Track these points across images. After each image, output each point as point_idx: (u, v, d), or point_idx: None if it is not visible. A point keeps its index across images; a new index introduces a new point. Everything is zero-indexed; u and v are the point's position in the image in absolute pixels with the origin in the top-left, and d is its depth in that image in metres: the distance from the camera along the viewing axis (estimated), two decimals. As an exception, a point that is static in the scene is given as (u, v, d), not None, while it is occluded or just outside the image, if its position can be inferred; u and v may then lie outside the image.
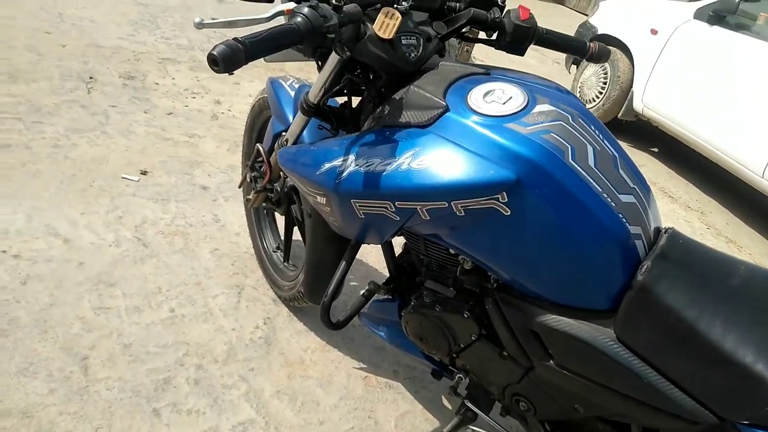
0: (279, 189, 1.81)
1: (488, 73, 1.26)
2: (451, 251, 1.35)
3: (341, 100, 1.46)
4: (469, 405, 1.56)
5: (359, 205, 1.24)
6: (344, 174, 1.24)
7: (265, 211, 2.12)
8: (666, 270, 1.10)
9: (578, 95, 5.13)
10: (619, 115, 4.76)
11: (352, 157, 1.24)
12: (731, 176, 4.06)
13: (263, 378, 1.75)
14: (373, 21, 1.16)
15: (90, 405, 1.51)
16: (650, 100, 4.47)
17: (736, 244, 3.70)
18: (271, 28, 0.97)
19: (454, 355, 1.49)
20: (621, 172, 1.16)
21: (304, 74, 3.87)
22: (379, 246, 1.51)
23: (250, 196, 1.86)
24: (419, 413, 1.80)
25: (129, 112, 2.92)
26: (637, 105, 4.58)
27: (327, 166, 1.28)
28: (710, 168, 4.47)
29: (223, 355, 1.78)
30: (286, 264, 2.03)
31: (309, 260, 1.71)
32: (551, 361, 1.25)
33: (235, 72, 1.45)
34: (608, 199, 1.09)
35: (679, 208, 3.98)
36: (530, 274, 1.18)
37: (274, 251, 2.09)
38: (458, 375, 1.55)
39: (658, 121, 4.46)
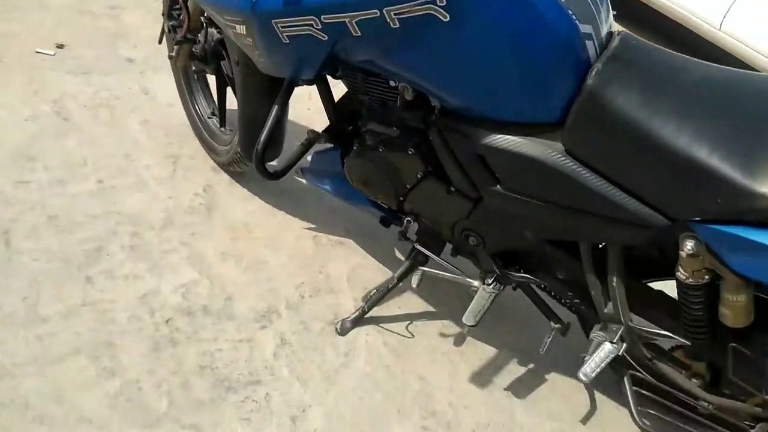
0: (203, 41, 1.64)
1: None
2: (392, 83, 1.23)
3: None
4: (420, 248, 1.51)
5: (282, 27, 1.10)
6: None
7: (195, 75, 1.95)
8: (617, 72, 1.01)
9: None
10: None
11: None
12: (687, 34, 3.96)
13: (205, 242, 1.66)
14: None
15: (14, 277, 1.41)
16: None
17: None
18: None
19: (401, 199, 1.42)
20: None
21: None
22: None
23: (173, 53, 1.69)
24: (372, 266, 1.75)
25: (40, -15, 2.63)
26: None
27: None
28: (665, 25, 4.34)
29: (160, 222, 1.68)
30: (222, 129, 1.89)
31: (242, 115, 1.58)
32: (498, 186, 1.19)
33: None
34: None
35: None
36: (473, 90, 1.08)
37: (209, 117, 1.94)
38: (406, 219, 1.48)
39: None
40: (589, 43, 1.02)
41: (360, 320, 1.56)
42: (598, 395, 1.58)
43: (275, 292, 1.59)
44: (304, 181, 1.77)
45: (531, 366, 1.61)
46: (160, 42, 1.78)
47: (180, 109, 2.06)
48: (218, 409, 1.29)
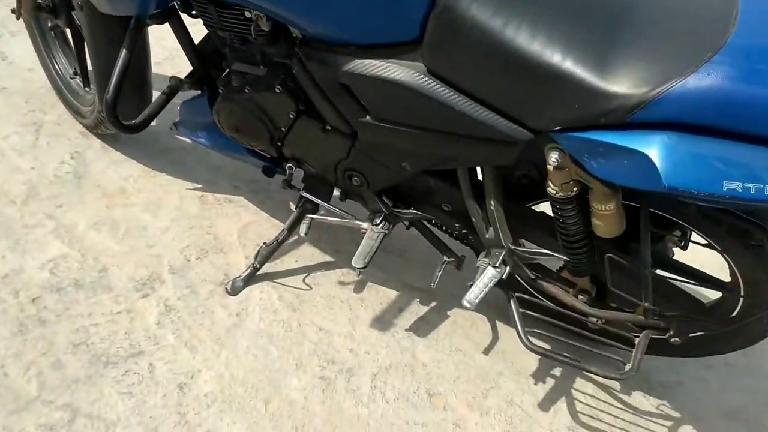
0: None
1: None
2: (246, 14, 1.13)
3: None
4: (307, 195, 1.45)
5: None
6: None
7: (52, 32, 1.77)
8: None
9: None
10: None
11: None
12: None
13: (75, 212, 1.53)
14: None
15: None
16: None
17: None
18: None
19: (279, 144, 1.34)
20: None
21: None
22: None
23: (16, 6, 1.51)
24: (264, 221, 1.68)
25: None
26: None
27: None
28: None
29: (22, 195, 1.53)
30: (87, 89, 1.74)
31: (95, 66, 1.45)
32: (368, 117, 1.13)
33: None
34: None
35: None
36: (324, 11, 1.02)
37: (71, 77, 1.78)
38: (288, 166, 1.41)
39: None
40: None
41: (252, 278, 1.50)
42: (500, 325, 1.59)
43: (158, 258, 1.49)
44: (186, 139, 1.65)
45: (433, 304, 1.60)
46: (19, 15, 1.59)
47: (42, 74, 1.88)
48: (95, 386, 1.21)
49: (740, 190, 0.80)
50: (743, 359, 1.71)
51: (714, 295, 1.32)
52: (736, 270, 1.17)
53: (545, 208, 1.29)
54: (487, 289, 1.18)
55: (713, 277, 1.27)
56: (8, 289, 1.32)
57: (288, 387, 1.32)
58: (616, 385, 1.54)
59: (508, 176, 1.23)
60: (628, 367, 1.19)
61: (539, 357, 1.51)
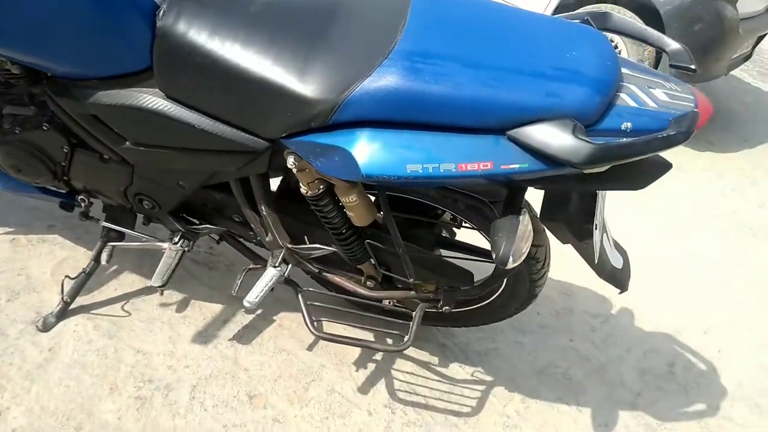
0: None
1: None
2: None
3: None
4: (109, 225, 1.49)
5: None
6: None
7: None
8: (182, 10, 1.07)
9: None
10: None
11: None
12: None
13: None
14: None
15: None
16: None
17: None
18: None
19: (65, 178, 1.39)
20: None
21: None
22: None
23: None
24: (81, 256, 1.71)
25: None
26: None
27: None
28: None
29: None
30: None
31: None
32: (128, 143, 1.21)
33: None
34: None
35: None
36: (54, 50, 1.08)
37: None
38: (81, 198, 1.46)
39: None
40: None
41: (65, 312, 1.53)
42: (324, 324, 1.70)
43: (-38, 306, 1.48)
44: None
45: (259, 312, 1.69)
46: None
47: None
48: None
49: (421, 171, 0.95)
50: (555, 321, 1.93)
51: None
52: (488, 240, 1.34)
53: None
54: (267, 288, 1.29)
55: (483, 249, 1.45)
56: None
57: (101, 411, 1.36)
58: (434, 360, 1.69)
59: (286, 183, 1.35)
60: (405, 338, 1.33)
61: (358, 352, 1.63)
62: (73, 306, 1.54)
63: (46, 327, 1.49)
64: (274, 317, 1.70)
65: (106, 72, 1.11)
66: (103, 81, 1.12)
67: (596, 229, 1.15)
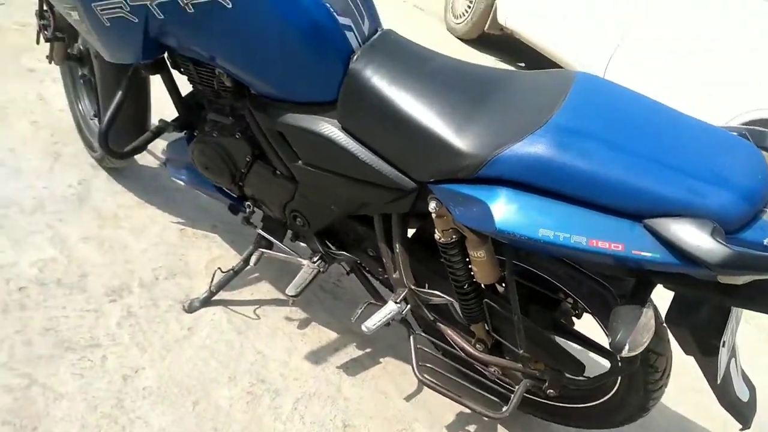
0: (78, 44, 1.82)
1: None
2: (217, 71, 1.42)
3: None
4: (263, 233, 1.69)
5: (101, 9, 1.29)
6: None
7: (81, 79, 2.12)
8: (373, 59, 1.24)
9: (450, 11, 5.27)
10: (486, 29, 4.94)
11: None
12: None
13: (71, 227, 1.80)
14: None
15: None
16: (510, 12, 4.67)
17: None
18: None
19: (240, 184, 1.60)
20: None
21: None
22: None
23: (49, 53, 1.85)
24: (232, 257, 1.92)
25: (-47, -2, 2.78)
26: (501, 17, 4.77)
27: None
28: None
29: (31, 207, 1.81)
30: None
31: (102, 107, 1.75)
32: (300, 162, 1.39)
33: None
34: None
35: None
36: (261, 73, 1.30)
37: (91, 118, 2.10)
38: (247, 204, 1.66)
39: (518, 32, 4.67)
40: (349, 34, 1.25)
41: (208, 301, 1.72)
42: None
43: (131, 273, 1.73)
44: (179, 181, 1.92)
45: (368, 350, 1.79)
46: (38, 42, 1.94)
47: (70, 115, 2.22)
48: (54, 364, 1.42)
49: (551, 237, 1.01)
50: None
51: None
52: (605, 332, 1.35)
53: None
54: (385, 320, 1.38)
55: (600, 344, 1.45)
56: (1, 277, 1.56)
57: (217, 395, 1.51)
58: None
59: (422, 228, 1.47)
60: (504, 408, 1.36)
61: (457, 411, 1.67)
62: (216, 297, 1.73)
63: (190, 309, 1.69)
64: (381, 359, 1.78)
65: (298, 98, 1.31)
66: (294, 105, 1.31)
67: (723, 347, 1.13)
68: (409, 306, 1.42)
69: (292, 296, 1.56)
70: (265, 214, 1.70)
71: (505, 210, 1.04)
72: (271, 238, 1.68)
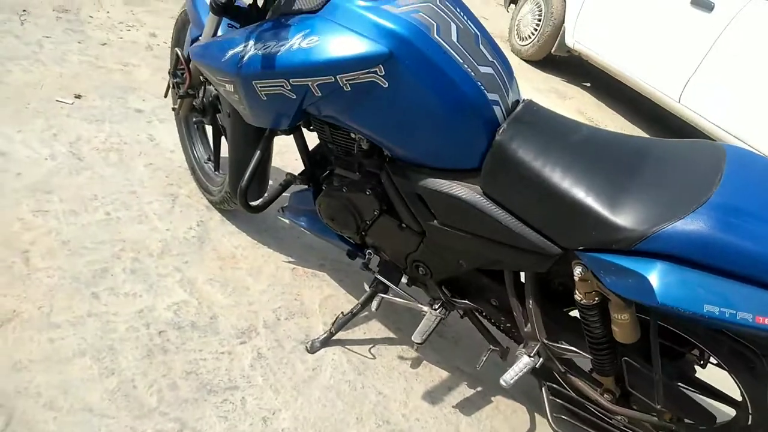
0: (202, 97, 1.93)
1: None
2: (352, 135, 1.51)
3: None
4: (380, 278, 1.75)
5: (260, 86, 1.38)
6: (245, 58, 1.38)
7: (195, 125, 2.24)
8: (519, 131, 1.29)
9: (516, 33, 5.29)
10: (552, 51, 4.95)
11: (251, 42, 1.38)
12: (653, 104, 4.33)
13: (196, 269, 1.90)
14: None
15: (32, 288, 1.64)
16: (580, 36, 4.67)
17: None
18: None
19: (363, 233, 1.67)
20: (481, 47, 1.33)
21: None
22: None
23: (176, 105, 1.97)
24: (342, 296, 1.99)
25: (62, 42, 2.96)
26: (569, 40, 4.78)
27: (230, 53, 1.42)
28: (636, 99, 4.72)
29: (158, 250, 1.92)
30: (216, 173, 2.16)
31: (231, 158, 1.86)
32: (435, 221, 1.45)
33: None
34: (468, 69, 1.27)
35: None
36: (410, 143, 1.36)
37: (205, 162, 2.22)
38: (368, 251, 1.73)
39: (587, 55, 4.67)
40: (497, 108, 1.31)
41: (328, 341, 1.79)
42: (537, 418, 1.80)
43: (255, 314, 1.82)
44: (286, 221, 2.02)
45: (479, 389, 1.84)
46: (165, 96, 2.07)
47: (181, 155, 2.35)
48: (200, 408, 1.51)
49: (717, 313, 1.04)
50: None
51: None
52: (742, 389, 1.36)
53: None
54: (521, 373, 1.42)
55: (726, 394, 1.46)
56: (142, 322, 1.67)
57: (348, 435, 1.58)
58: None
59: (549, 282, 1.50)
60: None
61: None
62: (334, 338, 1.81)
63: (312, 349, 1.76)
64: (492, 398, 1.82)
65: (442, 164, 1.36)
66: (436, 170, 1.37)
67: None
68: (542, 359, 1.46)
69: (418, 343, 1.62)
70: (382, 259, 1.76)
71: (667, 283, 1.07)
72: (389, 283, 1.74)
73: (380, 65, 1.22)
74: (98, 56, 2.94)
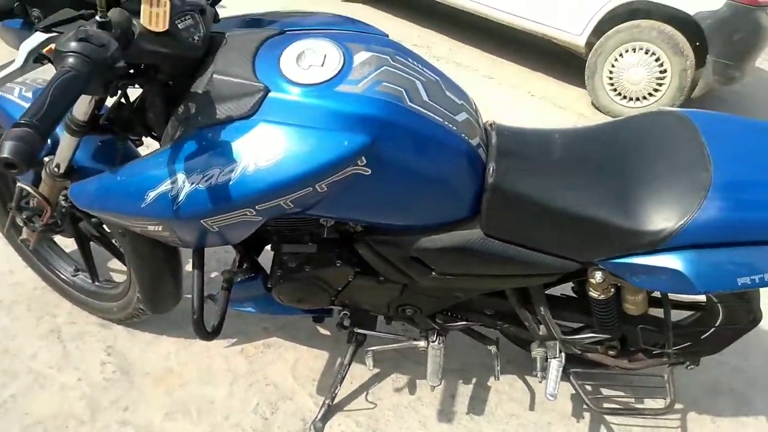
0: (57, 214, 1.52)
1: (282, 30, 1.15)
2: (325, 222, 1.31)
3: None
4: (358, 331, 1.62)
5: (212, 222, 1.11)
6: (181, 197, 1.08)
7: (45, 245, 1.79)
8: (508, 166, 1.22)
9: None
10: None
11: (181, 175, 1.07)
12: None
13: (143, 410, 1.58)
14: (137, 15, 0.95)
15: None
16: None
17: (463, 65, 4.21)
18: (48, 85, 0.77)
19: (333, 299, 1.50)
20: (448, 93, 1.20)
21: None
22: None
23: (25, 236, 1.53)
24: (306, 353, 1.82)
25: None
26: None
27: (153, 194, 1.10)
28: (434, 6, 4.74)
29: (87, 412, 1.55)
30: (97, 284, 1.77)
31: (141, 276, 1.52)
32: (433, 273, 1.34)
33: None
34: (448, 124, 1.15)
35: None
36: (400, 214, 1.21)
37: (73, 275, 1.80)
38: (342, 312, 1.58)
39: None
40: (480, 150, 1.23)
41: (327, 415, 1.64)
42: (530, 379, 1.85)
43: (239, 427, 1.59)
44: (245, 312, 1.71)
45: (474, 380, 1.82)
46: (4, 233, 1.59)
47: (25, 274, 1.87)
48: None
49: (749, 282, 1.14)
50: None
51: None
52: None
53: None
54: (558, 378, 1.45)
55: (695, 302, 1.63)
56: None
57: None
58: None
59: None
60: (668, 400, 1.52)
61: (575, 402, 1.79)
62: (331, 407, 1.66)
63: (317, 431, 1.61)
64: (488, 383, 1.84)
65: (435, 221, 1.24)
66: (431, 228, 1.25)
67: None
68: (564, 354, 1.48)
69: (436, 385, 1.55)
70: (352, 311, 1.61)
71: (700, 272, 1.14)
72: (369, 332, 1.62)
73: (362, 156, 1.04)
74: None
